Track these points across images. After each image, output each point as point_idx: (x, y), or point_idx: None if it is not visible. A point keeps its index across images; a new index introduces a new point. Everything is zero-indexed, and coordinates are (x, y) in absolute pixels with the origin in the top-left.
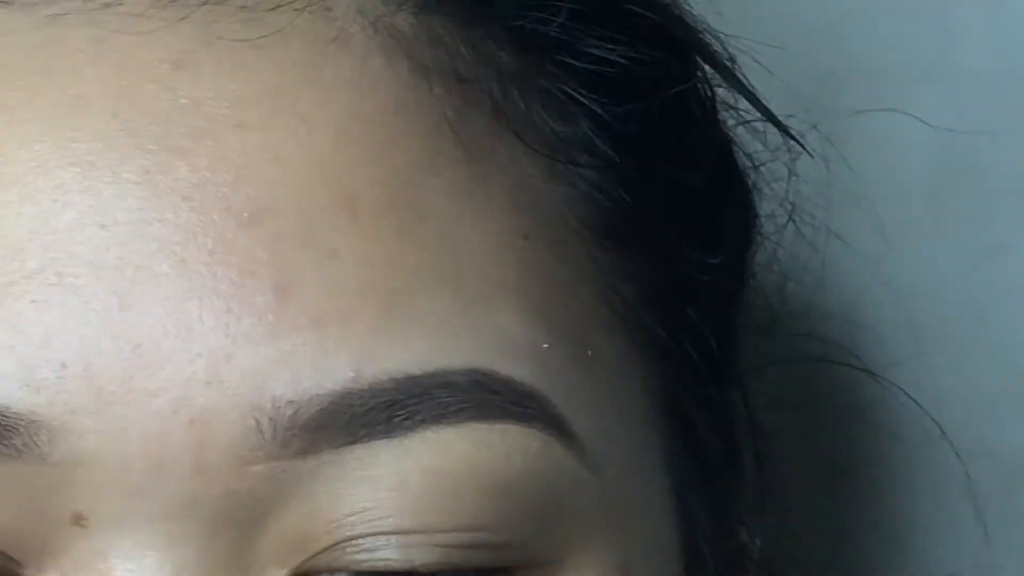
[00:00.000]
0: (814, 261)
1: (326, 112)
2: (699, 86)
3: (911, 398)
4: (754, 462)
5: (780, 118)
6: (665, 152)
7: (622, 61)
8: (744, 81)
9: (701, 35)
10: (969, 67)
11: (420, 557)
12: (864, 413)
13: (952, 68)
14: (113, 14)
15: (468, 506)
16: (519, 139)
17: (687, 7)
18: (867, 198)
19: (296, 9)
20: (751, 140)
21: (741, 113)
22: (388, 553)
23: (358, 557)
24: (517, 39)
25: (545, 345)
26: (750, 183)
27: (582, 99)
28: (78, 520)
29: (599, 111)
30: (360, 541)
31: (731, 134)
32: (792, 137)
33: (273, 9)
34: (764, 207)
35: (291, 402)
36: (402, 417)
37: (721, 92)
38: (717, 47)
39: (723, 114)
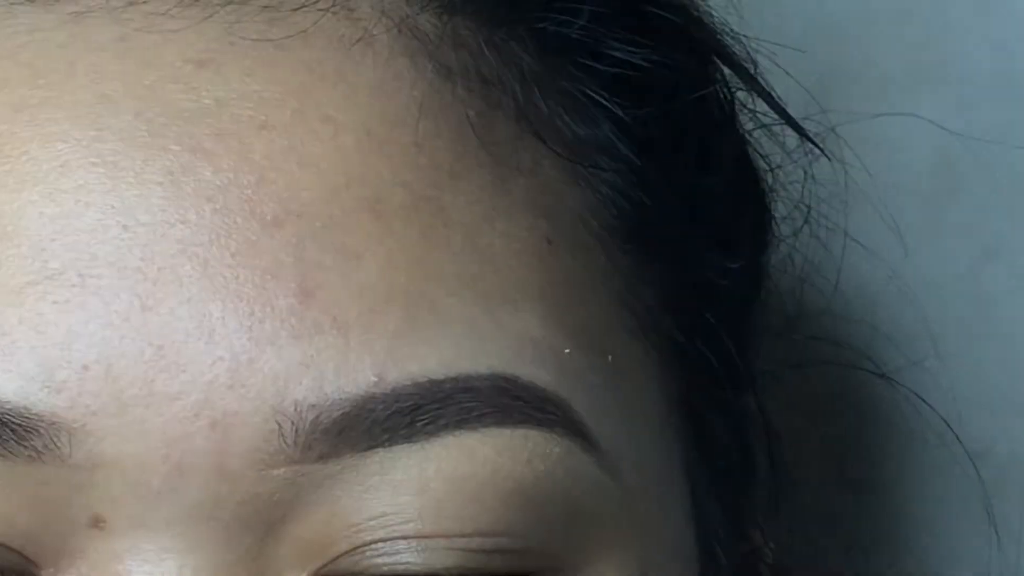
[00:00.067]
0: (829, 264)
1: (350, 114)
2: (719, 89)
3: (925, 402)
4: (768, 465)
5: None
6: (685, 155)
7: (643, 64)
8: (764, 84)
9: (721, 37)
10: (974, 69)
11: (440, 562)
12: (878, 416)
13: (956, 70)
14: (137, 12)
15: (489, 511)
16: (541, 142)
17: (707, 9)
18: (879, 200)
19: (320, 10)
20: (767, 142)
21: (758, 115)
22: (408, 557)
23: (378, 561)
24: (540, 41)
25: (567, 350)
26: (766, 186)
27: (604, 102)
28: (96, 522)
29: (620, 114)
30: (380, 545)
31: (748, 136)
32: (811, 140)
33: (297, 10)
34: (780, 209)
35: (313, 406)
36: (424, 422)
37: (737, 94)
38: (738, 50)
39: (740, 116)
